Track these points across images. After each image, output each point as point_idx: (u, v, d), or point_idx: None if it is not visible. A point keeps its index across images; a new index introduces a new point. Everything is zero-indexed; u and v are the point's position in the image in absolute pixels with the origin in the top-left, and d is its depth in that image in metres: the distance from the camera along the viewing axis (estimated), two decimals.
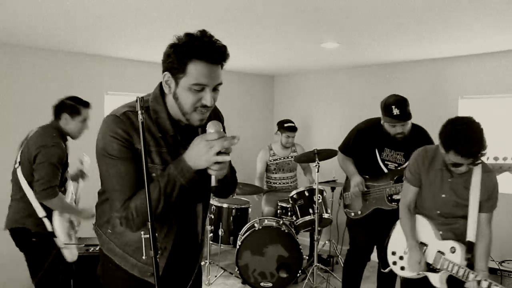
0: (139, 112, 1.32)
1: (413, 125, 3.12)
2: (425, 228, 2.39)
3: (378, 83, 4.90)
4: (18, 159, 2.83)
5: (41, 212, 2.75)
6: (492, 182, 2.28)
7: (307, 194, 4.14)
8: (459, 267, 2.20)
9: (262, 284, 3.94)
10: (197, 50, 1.36)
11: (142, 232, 1.43)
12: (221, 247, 4.32)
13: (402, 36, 3.42)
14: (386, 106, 3.01)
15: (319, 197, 4.01)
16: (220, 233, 4.24)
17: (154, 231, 1.32)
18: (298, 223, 4.12)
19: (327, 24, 3.09)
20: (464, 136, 2.04)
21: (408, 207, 2.45)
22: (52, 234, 2.78)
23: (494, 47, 3.83)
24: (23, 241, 2.80)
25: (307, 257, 4.60)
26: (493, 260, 3.68)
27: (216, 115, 1.65)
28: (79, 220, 3.01)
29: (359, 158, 3.29)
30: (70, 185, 3.03)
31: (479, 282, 2.09)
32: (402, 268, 2.45)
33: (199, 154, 1.34)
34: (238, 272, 3.95)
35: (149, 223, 1.31)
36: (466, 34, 3.31)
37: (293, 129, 4.72)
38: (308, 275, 4.11)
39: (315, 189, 3.94)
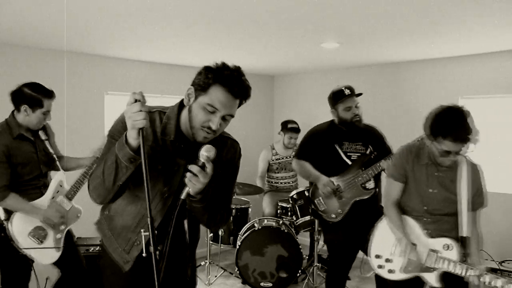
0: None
1: (364, 123, 3.22)
2: (412, 228, 2.34)
3: (378, 83, 4.90)
4: None
5: (1, 215, 2.60)
6: (477, 173, 2.27)
7: (307, 194, 4.13)
8: (456, 264, 2.17)
9: (262, 284, 3.94)
10: (224, 78, 1.51)
11: (142, 230, 1.53)
12: (221, 247, 4.32)
13: (402, 36, 3.42)
14: (336, 92, 3.14)
15: None
16: (220, 233, 4.23)
17: (153, 228, 1.39)
18: (298, 223, 4.12)
19: (327, 24, 3.09)
20: (460, 121, 2.10)
21: (395, 204, 2.41)
22: (8, 239, 2.59)
23: (494, 47, 3.83)
24: None
25: (307, 257, 4.60)
26: (493, 260, 3.68)
27: (234, 151, 1.78)
28: (55, 221, 2.75)
29: (320, 160, 3.19)
30: (56, 178, 2.83)
31: (479, 277, 2.08)
32: (391, 271, 2.38)
33: (127, 122, 1.42)
34: (238, 272, 3.95)
35: (148, 218, 1.39)
36: (466, 34, 3.31)
37: (297, 130, 4.75)
38: (308, 275, 4.11)
39: None
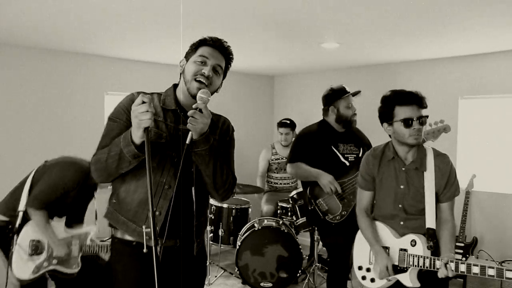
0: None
1: None
2: (383, 231, 2.30)
3: (378, 83, 4.90)
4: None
5: (21, 207, 2.72)
6: (445, 163, 2.21)
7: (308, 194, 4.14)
8: (424, 258, 2.11)
9: (262, 284, 3.94)
10: (207, 40, 1.75)
11: (144, 226, 1.56)
12: (221, 247, 4.32)
13: (402, 36, 3.42)
14: (338, 89, 3.19)
15: None
16: (220, 233, 4.23)
17: (155, 225, 1.42)
18: (298, 223, 4.11)
19: (327, 24, 3.09)
20: (399, 90, 2.24)
21: (366, 211, 2.40)
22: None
23: (494, 47, 3.83)
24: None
25: (307, 257, 4.60)
26: (493, 260, 3.68)
27: (227, 124, 1.91)
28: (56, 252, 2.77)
29: (316, 162, 3.13)
30: (89, 228, 2.95)
31: (446, 265, 1.99)
32: (372, 280, 2.32)
33: (132, 120, 1.53)
34: (238, 272, 3.95)
35: (149, 212, 1.43)
36: (466, 34, 3.31)
37: (285, 124, 4.73)
38: (308, 275, 4.11)
39: None
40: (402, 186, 2.24)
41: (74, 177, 2.71)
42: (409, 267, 2.18)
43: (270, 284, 3.94)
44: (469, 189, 4.00)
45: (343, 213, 3.10)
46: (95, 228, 2.97)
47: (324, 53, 4.17)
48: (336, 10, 2.72)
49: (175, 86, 1.83)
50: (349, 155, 3.16)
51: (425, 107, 2.19)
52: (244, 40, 3.62)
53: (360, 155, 3.17)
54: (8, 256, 2.68)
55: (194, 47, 1.74)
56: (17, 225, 2.66)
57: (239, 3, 2.59)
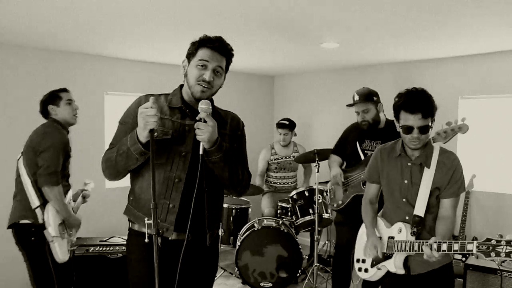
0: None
1: (388, 119, 3.34)
2: (379, 224, 2.42)
3: (378, 83, 4.89)
4: (22, 150, 2.85)
5: (35, 202, 2.70)
6: (451, 160, 2.24)
7: (307, 194, 4.14)
8: (405, 243, 2.18)
9: (262, 284, 3.94)
10: (207, 41, 1.83)
11: (145, 218, 1.63)
12: (221, 247, 4.32)
13: (402, 36, 3.42)
14: (352, 98, 3.38)
15: (319, 197, 4.01)
16: (220, 233, 4.23)
17: (156, 217, 1.57)
18: (298, 223, 4.12)
19: (327, 24, 3.09)
20: (410, 93, 2.22)
21: (370, 201, 2.52)
22: (43, 226, 2.69)
23: (494, 47, 3.83)
24: (22, 238, 2.76)
25: (307, 257, 4.60)
26: (493, 260, 3.68)
27: (237, 120, 2.09)
28: (70, 224, 2.88)
29: (345, 155, 3.53)
30: (70, 192, 2.97)
31: (431, 247, 2.05)
32: (366, 270, 2.42)
33: (139, 121, 1.67)
34: (238, 272, 3.95)
35: (152, 203, 1.58)
36: (466, 34, 3.31)
37: (283, 125, 4.70)
38: (308, 275, 4.11)
39: (315, 189, 3.94)
40: (406, 181, 2.30)
41: (61, 135, 2.83)
42: (394, 253, 2.26)
43: (270, 284, 3.95)
44: (469, 189, 4.00)
45: (339, 202, 3.41)
46: (91, 184, 3.15)
47: (324, 53, 4.17)
48: (336, 10, 2.72)
49: (182, 86, 1.95)
50: (369, 151, 3.33)
51: (431, 115, 2.17)
52: (244, 40, 3.62)
53: None
54: (30, 253, 2.75)
55: (195, 49, 1.82)
56: (40, 220, 2.70)
57: (239, 3, 2.59)
